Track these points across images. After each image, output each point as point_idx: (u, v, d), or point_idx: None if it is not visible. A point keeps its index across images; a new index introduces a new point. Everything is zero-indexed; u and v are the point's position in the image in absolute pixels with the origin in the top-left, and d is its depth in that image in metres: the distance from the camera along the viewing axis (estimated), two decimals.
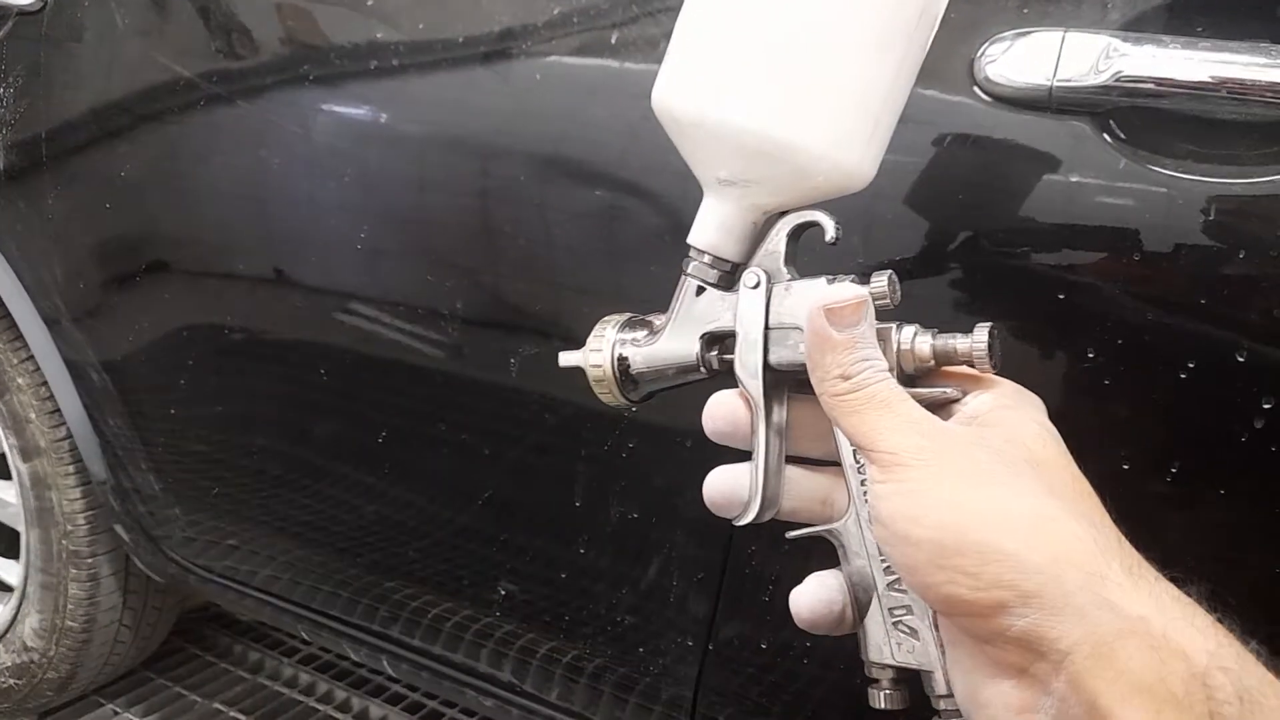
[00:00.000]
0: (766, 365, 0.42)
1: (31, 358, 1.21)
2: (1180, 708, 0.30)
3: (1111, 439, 0.58)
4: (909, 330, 0.40)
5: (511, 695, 1.00)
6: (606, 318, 0.47)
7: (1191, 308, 0.56)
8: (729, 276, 0.44)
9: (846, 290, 0.40)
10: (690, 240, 0.45)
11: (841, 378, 0.38)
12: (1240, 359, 0.54)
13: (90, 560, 1.28)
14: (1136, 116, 0.56)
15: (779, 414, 0.43)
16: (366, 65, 0.87)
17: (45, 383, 1.21)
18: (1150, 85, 0.54)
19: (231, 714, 1.43)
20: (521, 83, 0.79)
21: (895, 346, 0.40)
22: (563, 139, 0.78)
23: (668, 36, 0.72)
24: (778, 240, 0.43)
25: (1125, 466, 0.58)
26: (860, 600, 0.41)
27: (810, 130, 0.40)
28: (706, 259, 0.44)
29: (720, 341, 0.45)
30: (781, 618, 0.77)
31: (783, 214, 0.44)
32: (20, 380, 1.24)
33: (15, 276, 1.16)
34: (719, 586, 0.79)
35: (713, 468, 0.44)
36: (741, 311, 0.43)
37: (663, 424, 0.77)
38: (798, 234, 0.44)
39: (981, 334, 0.39)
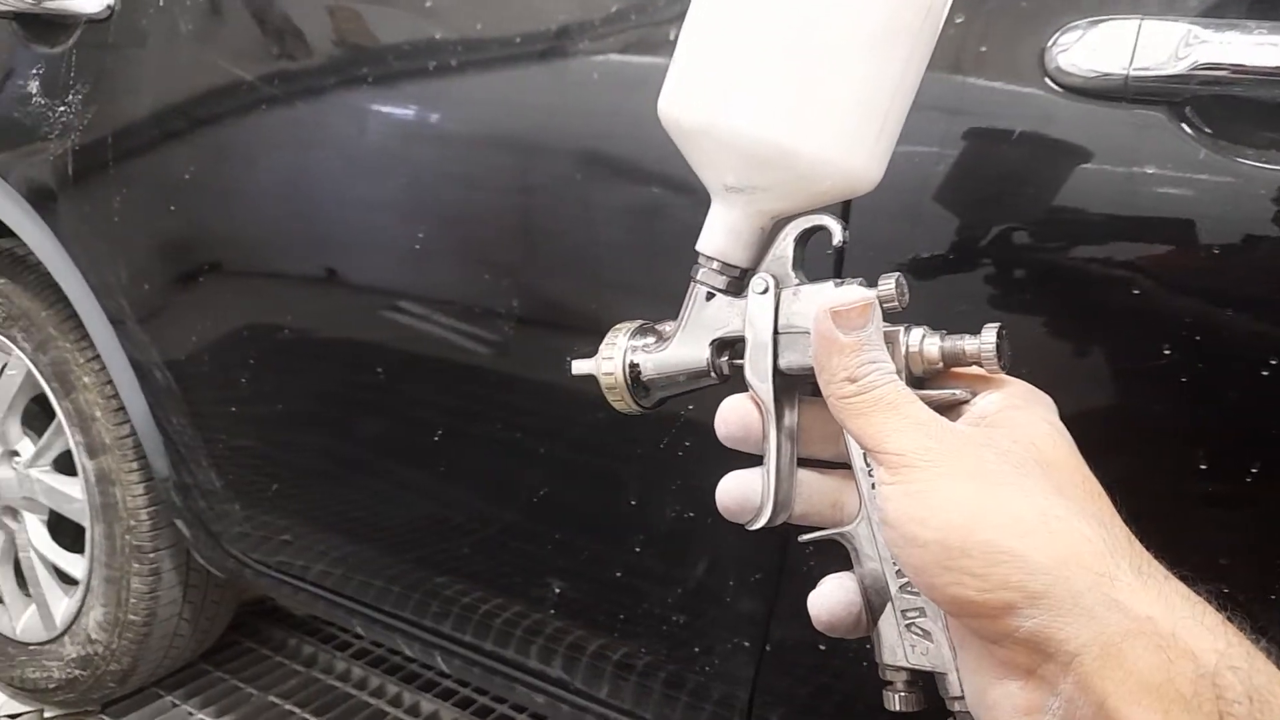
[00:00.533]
0: (776, 369, 0.43)
1: (97, 357, 1.25)
2: (1189, 707, 0.30)
3: (1190, 438, 0.57)
4: (917, 332, 0.40)
5: (563, 692, 1.00)
6: (618, 325, 0.48)
7: (1275, 302, 0.54)
8: (738, 282, 0.44)
9: (853, 293, 0.40)
10: (698, 247, 0.45)
11: (848, 380, 0.38)
12: None
13: (152, 555, 1.31)
14: (1216, 105, 0.54)
15: (790, 417, 0.44)
16: (424, 65, 0.88)
17: (110, 381, 1.24)
18: (1232, 73, 0.52)
19: (286, 707, 1.45)
20: (577, 80, 0.79)
21: (904, 349, 0.40)
22: (616, 136, 0.78)
23: None
24: (785, 245, 0.43)
25: (1203, 466, 0.56)
26: (874, 603, 0.41)
27: (815, 136, 0.40)
28: (715, 265, 0.44)
29: (730, 347, 0.45)
30: None
31: (790, 219, 0.44)
32: (87, 379, 1.28)
33: (82, 278, 1.20)
34: (775, 587, 0.78)
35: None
36: (751, 316, 0.43)
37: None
38: (805, 239, 0.44)
39: (989, 335, 0.39)
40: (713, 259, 0.44)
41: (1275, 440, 0.56)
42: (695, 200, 0.74)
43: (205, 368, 1.13)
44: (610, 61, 0.78)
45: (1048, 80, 0.58)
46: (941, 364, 0.40)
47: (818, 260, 0.45)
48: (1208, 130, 0.54)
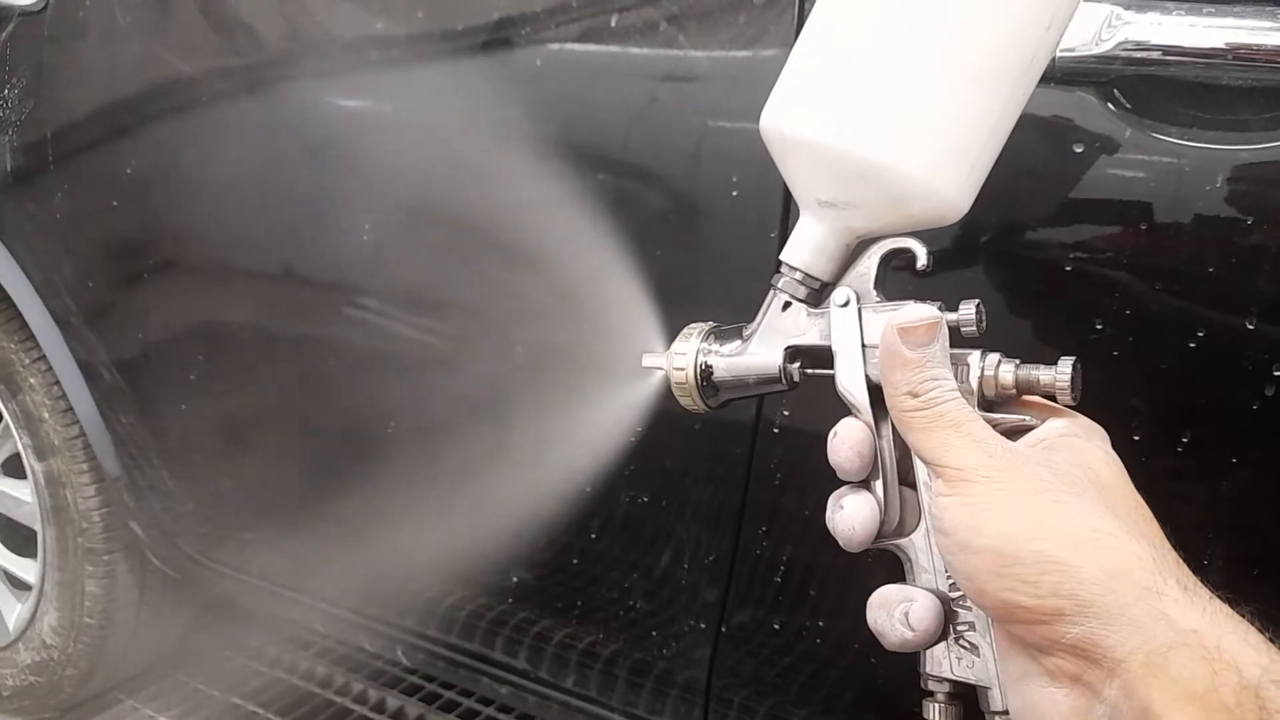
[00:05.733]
0: (868, 379, 0.44)
1: (44, 358, 1.22)
2: (1233, 717, 0.31)
3: (1121, 410, 0.58)
4: (993, 358, 0.42)
5: (526, 681, 1.00)
6: (690, 326, 0.49)
7: (1200, 276, 0.55)
8: (816, 295, 0.47)
9: (921, 311, 0.41)
10: (783, 257, 0.47)
11: (910, 394, 0.40)
12: (1250, 326, 0.54)
13: (106, 557, 1.29)
14: (1141, 85, 0.55)
15: (885, 428, 0.44)
16: (370, 57, 0.87)
17: (58, 382, 1.22)
18: (1155, 53, 0.54)
19: (250, 708, 1.44)
20: (525, 71, 0.79)
21: (979, 372, 0.41)
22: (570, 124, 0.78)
23: (668, 19, 0.71)
24: (870, 263, 0.45)
25: (1135, 438, 0.58)
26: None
27: (912, 159, 0.42)
28: (798, 275, 0.46)
29: (802, 355, 0.47)
30: (792, 600, 0.77)
31: (875, 239, 0.45)
32: (33, 380, 1.25)
33: (25, 277, 1.17)
34: (730, 570, 0.79)
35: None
36: (836, 329, 0.45)
37: (670, 407, 0.76)
38: (889, 259, 0.45)
39: (1065, 366, 0.41)
40: (796, 269, 0.46)
41: (1205, 410, 0.58)
42: (652, 187, 0.74)
43: (153, 366, 1.11)
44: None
45: None
46: (1015, 390, 0.42)
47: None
48: (1132, 109, 0.55)
